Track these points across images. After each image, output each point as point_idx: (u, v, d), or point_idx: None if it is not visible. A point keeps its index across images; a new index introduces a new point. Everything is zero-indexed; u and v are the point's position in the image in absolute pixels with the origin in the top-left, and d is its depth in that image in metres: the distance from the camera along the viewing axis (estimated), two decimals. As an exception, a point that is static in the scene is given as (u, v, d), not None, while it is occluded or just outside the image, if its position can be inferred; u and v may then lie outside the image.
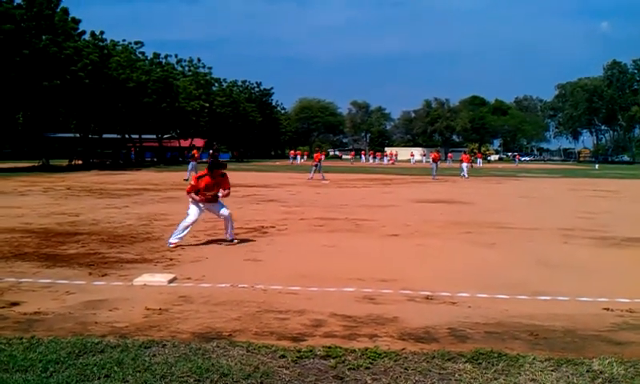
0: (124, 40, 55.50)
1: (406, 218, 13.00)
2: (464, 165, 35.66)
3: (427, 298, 5.81)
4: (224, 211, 8.96)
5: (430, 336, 4.59)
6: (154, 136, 63.06)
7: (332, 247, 8.94)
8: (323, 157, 34.89)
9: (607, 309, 5.45)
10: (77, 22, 42.85)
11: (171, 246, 8.52)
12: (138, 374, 3.64)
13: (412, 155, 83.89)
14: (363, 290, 6.07)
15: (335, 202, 17.14)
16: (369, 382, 3.63)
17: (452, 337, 4.58)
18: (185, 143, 69.36)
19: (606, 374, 3.77)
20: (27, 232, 9.93)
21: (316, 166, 30.81)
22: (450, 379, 3.68)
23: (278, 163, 65.57)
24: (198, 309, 5.27)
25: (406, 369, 3.81)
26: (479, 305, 5.56)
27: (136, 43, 56.79)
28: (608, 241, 9.94)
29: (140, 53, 57.19)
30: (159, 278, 6.40)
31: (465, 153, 41.89)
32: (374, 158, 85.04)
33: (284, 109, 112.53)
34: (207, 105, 64.75)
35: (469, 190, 24.18)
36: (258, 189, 21.60)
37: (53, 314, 5.07)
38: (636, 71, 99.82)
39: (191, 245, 8.79)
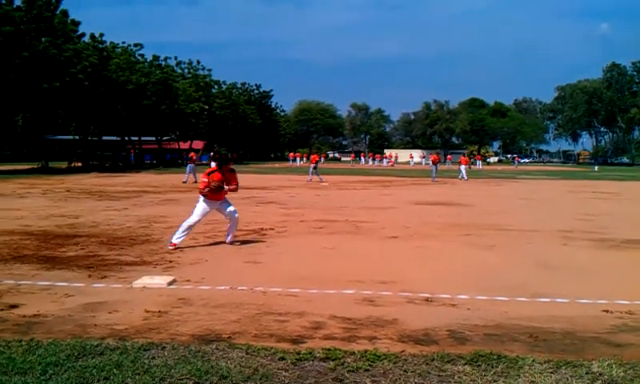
0: (123, 42, 55.53)
1: (405, 220, 13.00)
2: (462, 167, 35.84)
3: (427, 299, 5.82)
4: (232, 212, 9.04)
5: (429, 338, 4.59)
6: (154, 138, 63.03)
7: (332, 249, 8.95)
8: (323, 159, 34.96)
9: (606, 311, 5.45)
10: (76, 24, 42.85)
11: (170, 248, 8.52)
12: (137, 376, 3.63)
13: (411, 157, 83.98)
14: (363, 291, 6.08)
15: (335, 203, 17.15)
16: (368, 384, 3.63)
17: (451, 339, 4.58)
18: (184, 145, 69.31)
19: (606, 376, 3.77)
20: (26, 234, 9.93)
21: (314, 168, 30.96)
22: (450, 381, 3.68)
23: (277, 165, 65.55)
24: (197, 311, 5.27)
25: (405, 371, 3.81)
26: (478, 307, 5.56)
27: (135, 45, 56.79)
28: (607, 243, 9.95)
29: (139, 55, 57.20)
30: (158, 281, 6.39)
31: (463, 155, 42.01)
32: (374, 159, 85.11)
33: (283, 111, 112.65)
34: (207, 107, 64.73)
35: (468, 192, 24.20)
36: (257, 191, 21.59)
37: (52, 316, 5.07)
38: (635, 73, 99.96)
39: (190, 247, 8.79)
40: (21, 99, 39.45)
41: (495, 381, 3.69)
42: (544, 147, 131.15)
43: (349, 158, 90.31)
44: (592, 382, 3.70)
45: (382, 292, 6.08)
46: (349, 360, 3.99)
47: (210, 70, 73.20)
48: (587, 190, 26.42)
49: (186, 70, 69.29)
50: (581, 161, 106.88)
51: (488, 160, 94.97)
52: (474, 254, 8.69)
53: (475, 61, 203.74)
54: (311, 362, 3.95)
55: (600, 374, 3.80)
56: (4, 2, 36.69)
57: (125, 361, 3.86)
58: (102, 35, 48.36)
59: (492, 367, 3.88)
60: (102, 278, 6.67)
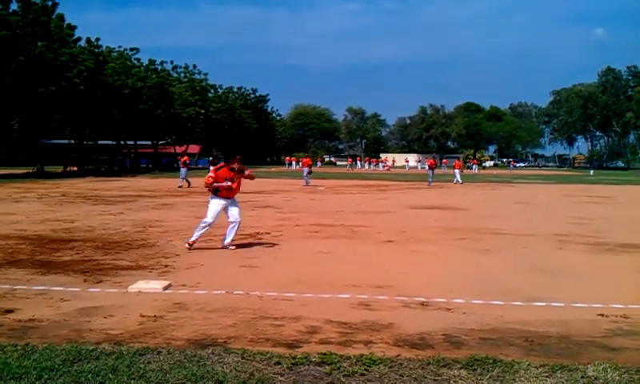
0: (119, 46, 55.61)
1: (401, 224, 13.02)
2: (456, 171, 36.06)
3: (422, 304, 5.82)
4: (237, 216, 9.15)
5: (425, 342, 4.59)
6: (150, 142, 62.97)
7: (327, 253, 8.95)
8: (320, 163, 35.24)
9: (602, 315, 5.47)
10: (72, 28, 42.85)
11: (187, 247, 8.93)
12: (132, 381, 3.63)
13: (407, 161, 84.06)
14: (358, 296, 6.08)
15: (331, 208, 17.16)
16: (364, 388, 3.63)
17: (447, 343, 4.59)
18: (180, 149, 69.27)
19: (601, 380, 3.78)
20: (22, 239, 9.89)
21: (309, 172, 31.23)
22: (445, 385, 3.69)
23: (273, 169, 65.57)
24: (193, 315, 5.26)
25: (401, 375, 3.82)
26: (474, 311, 5.57)
27: (131, 49, 56.90)
28: (603, 247, 9.98)
29: (135, 59, 57.30)
30: (154, 285, 6.38)
31: (458, 159, 42.20)
32: (370, 164, 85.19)
33: (279, 115, 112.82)
34: (203, 111, 64.81)
35: (464, 196, 24.25)
36: (253, 195, 21.57)
37: (47, 321, 5.05)
38: (630, 78, 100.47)
39: (186, 251, 8.79)
40: (16, 103, 39.37)
41: (491, 385, 3.69)
42: (539, 151, 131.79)
43: (345, 162, 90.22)
44: (587, 386, 3.71)
45: (378, 296, 6.09)
46: (345, 364, 3.99)
47: (206, 75, 73.47)
48: (582, 194, 26.51)
49: (182, 75, 69.39)
50: (576, 165, 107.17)
51: (484, 164, 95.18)
52: (470, 258, 8.71)
53: (471, 66, 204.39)
54: (307, 367, 3.95)
55: (595, 378, 3.81)
56: (0, 6, 36.62)
57: (120, 365, 3.85)
58: (97, 40, 48.52)
59: (488, 371, 3.89)
60: (97, 282, 6.65)
